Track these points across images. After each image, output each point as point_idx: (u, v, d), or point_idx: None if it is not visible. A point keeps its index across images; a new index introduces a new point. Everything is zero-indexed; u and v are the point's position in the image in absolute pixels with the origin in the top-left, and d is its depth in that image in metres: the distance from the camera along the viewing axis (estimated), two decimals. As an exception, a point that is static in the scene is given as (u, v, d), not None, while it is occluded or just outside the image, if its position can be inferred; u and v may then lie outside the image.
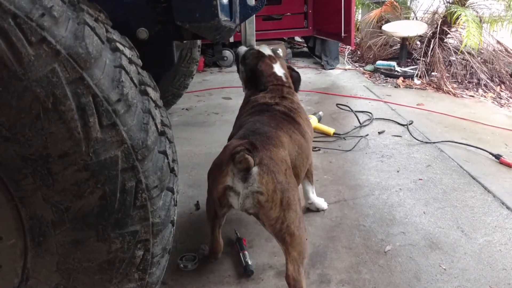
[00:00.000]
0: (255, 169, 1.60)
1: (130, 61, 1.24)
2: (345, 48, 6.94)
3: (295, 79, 2.33)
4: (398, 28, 5.72)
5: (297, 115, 2.11)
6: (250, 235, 2.22)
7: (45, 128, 1.04)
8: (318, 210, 2.44)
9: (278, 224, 1.62)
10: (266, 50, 2.33)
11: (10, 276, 1.18)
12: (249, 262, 1.95)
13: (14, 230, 1.14)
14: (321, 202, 2.45)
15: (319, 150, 3.26)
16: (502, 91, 5.15)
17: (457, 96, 4.94)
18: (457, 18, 5.00)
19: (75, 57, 1.04)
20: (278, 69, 2.25)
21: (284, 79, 2.24)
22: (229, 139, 1.99)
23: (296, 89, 2.34)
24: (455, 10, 5.04)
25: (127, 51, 1.24)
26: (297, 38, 7.64)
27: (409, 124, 3.72)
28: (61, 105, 1.03)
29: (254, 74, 2.23)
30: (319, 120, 3.81)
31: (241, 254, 2.00)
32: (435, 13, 5.99)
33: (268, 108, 2.06)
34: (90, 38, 1.08)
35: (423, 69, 5.40)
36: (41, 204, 1.11)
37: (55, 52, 1.01)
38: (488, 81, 5.22)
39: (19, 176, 1.08)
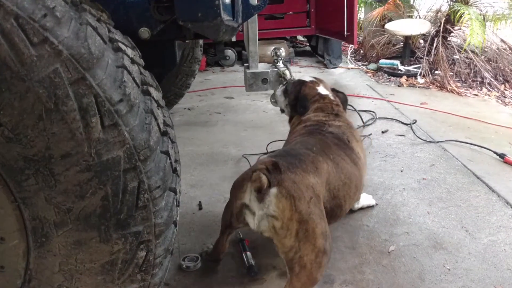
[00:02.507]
0: (273, 191, 1.53)
1: (133, 61, 1.23)
2: (348, 47, 6.92)
3: (342, 99, 2.30)
4: (401, 27, 5.70)
5: (351, 138, 2.02)
6: (253, 236, 2.20)
7: (47, 129, 1.03)
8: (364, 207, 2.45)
9: (292, 253, 1.54)
10: (307, 77, 2.34)
11: (12, 277, 1.18)
12: (253, 263, 1.95)
13: (17, 231, 1.14)
14: (368, 200, 2.46)
15: (322, 149, 3.25)
16: (506, 90, 5.12)
17: (461, 95, 4.92)
18: (461, 17, 4.98)
19: (78, 57, 1.03)
20: (322, 90, 2.23)
21: (331, 97, 2.20)
22: None
23: (344, 109, 2.30)
24: (459, 8, 5.02)
25: (129, 51, 1.24)
26: (300, 37, 7.63)
27: (413, 123, 3.70)
28: (64, 106, 1.03)
29: (297, 99, 2.20)
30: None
31: (244, 255, 2.00)
32: (438, 11, 5.97)
33: (319, 130, 1.98)
34: (92, 38, 1.08)
35: (427, 67, 5.38)
36: (44, 205, 1.11)
37: (58, 53, 1.01)
38: (492, 79, 5.20)
39: (22, 177, 1.07)
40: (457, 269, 1.97)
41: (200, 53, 3.70)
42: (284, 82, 2.36)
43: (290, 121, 2.30)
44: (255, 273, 1.91)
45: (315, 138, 1.92)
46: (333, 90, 2.32)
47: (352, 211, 2.42)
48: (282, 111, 2.40)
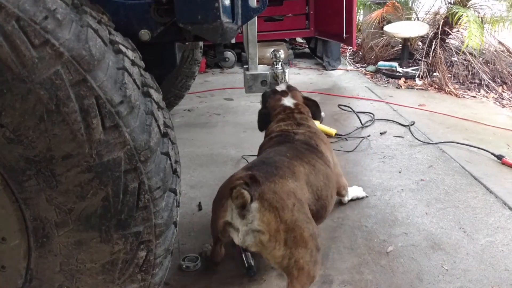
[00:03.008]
0: (254, 205, 1.51)
1: (133, 63, 1.24)
2: (347, 49, 6.94)
3: (312, 107, 2.30)
4: (399, 29, 5.72)
5: (319, 142, 2.05)
6: (252, 236, 2.22)
7: (48, 130, 1.04)
8: (354, 199, 2.52)
9: (286, 261, 1.54)
10: (282, 86, 2.35)
11: (13, 277, 1.19)
12: (252, 263, 1.96)
13: (18, 231, 1.14)
14: (357, 192, 2.54)
15: (321, 151, 3.26)
16: (504, 92, 5.14)
17: (459, 97, 4.93)
18: (459, 19, 5.01)
19: (78, 59, 1.04)
20: (288, 100, 2.23)
21: (292, 106, 2.20)
22: None
23: (317, 117, 2.31)
24: (457, 10, 5.04)
25: (129, 53, 1.25)
26: (299, 39, 7.65)
27: (411, 125, 3.72)
28: (65, 107, 1.04)
29: (263, 113, 2.26)
30: (321, 121, 3.81)
31: (243, 255, 2.01)
32: (436, 13, 5.99)
33: (288, 139, 2.00)
34: (93, 40, 1.09)
35: (425, 69, 5.40)
36: (45, 205, 1.11)
37: (59, 55, 1.02)
38: (490, 81, 5.22)
39: (23, 178, 1.08)
40: (455, 269, 1.98)
41: (200, 55, 3.71)
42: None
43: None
44: (254, 273, 1.92)
45: (285, 146, 1.93)
46: (305, 99, 2.32)
47: (341, 204, 2.47)
48: None
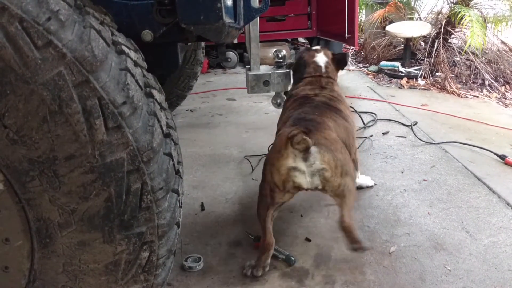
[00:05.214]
0: (314, 149, 1.75)
1: (136, 64, 1.24)
2: (349, 49, 6.93)
3: (339, 60, 2.49)
4: (402, 29, 5.71)
5: (338, 103, 2.27)
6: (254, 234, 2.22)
7: (51, 131, 1.05)
8: (363, 187, 2.70)
9: (341, 188, 1.85)
10: (317, 46, 2.58)
11: (17, 277, 1.20)
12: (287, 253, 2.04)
13: (21, 232, 1.15)
14: (366, 181, 2.71)
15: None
16: (506, 92, 5.12)
17: (462, 97, 4.92)
18: (461, 19, 4.99)
19: (81, 60, 1.05)
20: (320, 58, 2.43)
21: (323, 69, 2.40)
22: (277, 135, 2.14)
23: (341, 67, 2.53)
24: (459, 10, 5.03)
25: (132, 54, 1.25)
26: (301, 39, 7.64)
27: (413, 125, 3.71)
28: (68, 108, 1.04)
29: (298, 66, 2.43)
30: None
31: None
32: (439, 13, 5.98)
33: (308, 100, 2.20)
34: (96, 41, 1.09)
35: (427, 69, 5.39)
36: (48, 206, 1.12)
37: (62, 56, 1.02)
38: (493, 81, 5.20)
39: (26, 179, 1.09)
40: (458, 270, 1.97)
41: (202, 55, 3.71)
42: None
43: None
44: (294, 262, 2.02)
45: (308, 107, 2.12)
46: (334, 54, 2.50)
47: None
48: None
